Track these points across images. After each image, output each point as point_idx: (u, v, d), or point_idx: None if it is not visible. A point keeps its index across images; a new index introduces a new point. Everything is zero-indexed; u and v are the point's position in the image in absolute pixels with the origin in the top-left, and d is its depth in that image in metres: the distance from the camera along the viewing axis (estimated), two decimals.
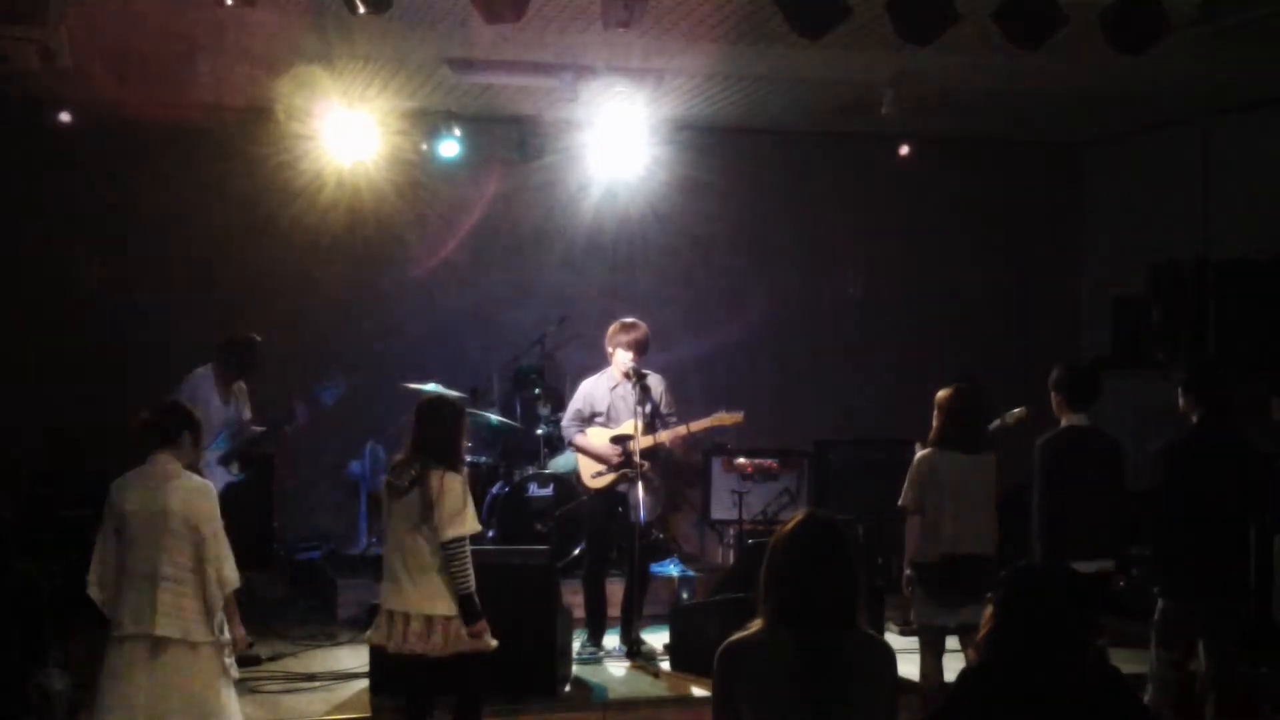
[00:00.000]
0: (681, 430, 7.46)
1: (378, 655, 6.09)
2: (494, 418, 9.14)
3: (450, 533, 5.44)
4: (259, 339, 7.79)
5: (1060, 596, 3.36)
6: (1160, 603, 6.09)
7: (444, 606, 5.49)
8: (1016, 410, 7.50)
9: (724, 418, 7.51)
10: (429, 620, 5.47)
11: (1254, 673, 6.74)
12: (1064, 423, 6.38)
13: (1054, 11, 6.07)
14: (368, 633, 5.78)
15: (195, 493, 5.24)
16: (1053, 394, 6.44)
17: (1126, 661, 6.49)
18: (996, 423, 7.65)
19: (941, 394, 6.35)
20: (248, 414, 7.76)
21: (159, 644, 5.08)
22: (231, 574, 5.27)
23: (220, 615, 5.23)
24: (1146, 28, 6.18)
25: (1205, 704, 6.05)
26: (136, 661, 5.09)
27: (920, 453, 6.34)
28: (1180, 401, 6.17)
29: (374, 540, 8.94)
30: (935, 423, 6.32)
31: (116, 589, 5.15)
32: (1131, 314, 9.36)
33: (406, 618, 5.47)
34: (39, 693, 5.49)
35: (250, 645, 6.30)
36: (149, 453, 5.28)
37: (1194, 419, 6.12)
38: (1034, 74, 7.88)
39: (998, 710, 3.28)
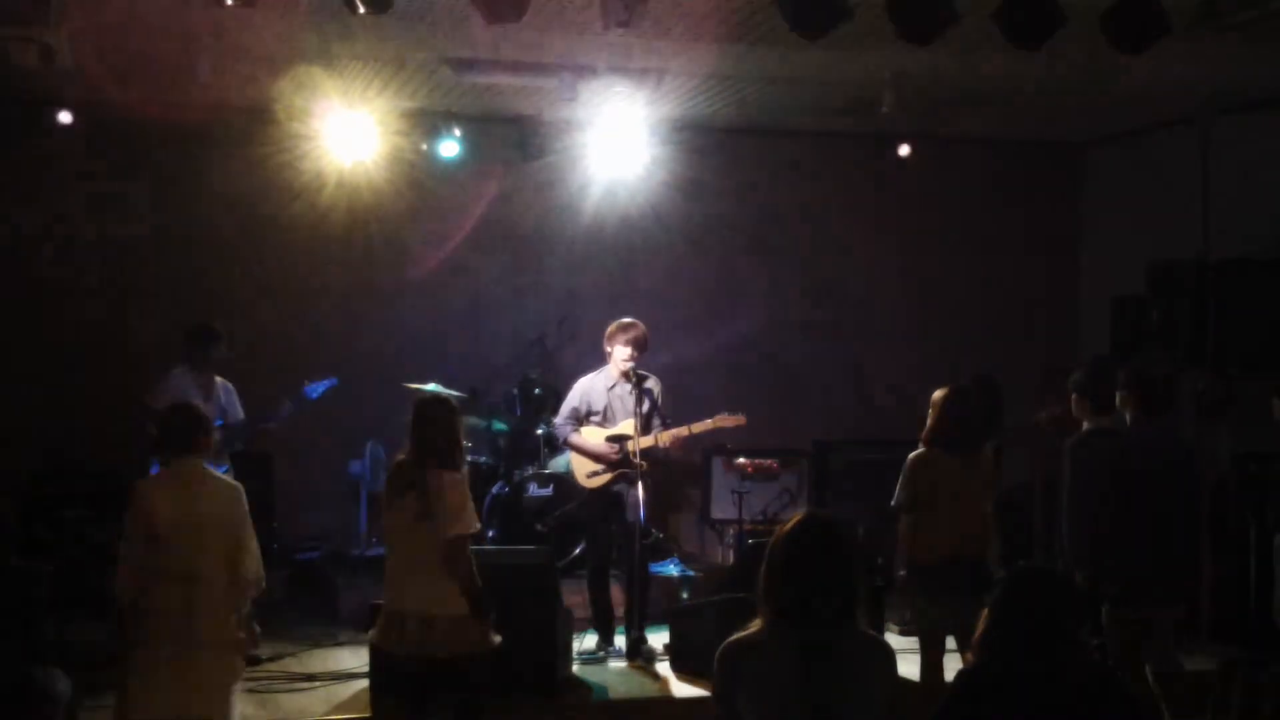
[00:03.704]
0: (682, 432, 7.46)
1: (378, 655, 6.09)
2: (494, 418, 9.13)
3: (452, 531, 5.43)
4: (216, 327, 7.79)
5: (1056, 598, 3.37)
6: (1104, 607, 6.02)
7: (447, 606, 5.47)
8: (1051, 410, 7.49)
9: (725, 420, 7.50)
10: (432, 620, 5.46)
11: (1255, 673, 6.73)
12: (1089, 425, 6.35)
13: (1054, 11, 6.07)
14: (369, 633, 5.78)
15: (230, 494, 5.31)
16: (1075, 396, 6.40)
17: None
18: (1031, 422, 7.65)
19: (937, 394, 6.34)
20: (240, 413, 7.77)
21: (194, 645, 5.09)
22: (260, 575, 5.33)
23: (244, 615, 5.27)
24: (1146, 28, 6.18)
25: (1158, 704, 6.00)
26: (167, 662, 5.08)
27: (914, 453, 6.33)
28: (1116, 401, 6.14)
29: (374, 540, 8.94)
30: (930, 422, 6.31)
31: (147, 593, 5.12)
32: (1131, 314, 9.35)
33: (407, 619, 5.46)
34: (39, 693, 5.48)
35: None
36: (163, 458, 5.31)
37: (1128, 419, 6.08)
38: (1034, 74, 7.88)
39: (994, 711, 3.28)
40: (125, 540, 5.21)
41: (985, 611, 3.41)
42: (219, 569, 5.18)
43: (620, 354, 7.42)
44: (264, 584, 5.37)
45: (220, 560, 5.18)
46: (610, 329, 7.51)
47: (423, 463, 5.49)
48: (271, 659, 7.37)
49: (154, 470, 7.13)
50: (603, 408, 7.53)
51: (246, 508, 5.34)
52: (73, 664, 6.23)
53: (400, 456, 5.61)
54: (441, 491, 5.44)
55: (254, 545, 5.33)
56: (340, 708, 6.62)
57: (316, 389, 7.94)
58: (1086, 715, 3.27)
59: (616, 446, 7.42)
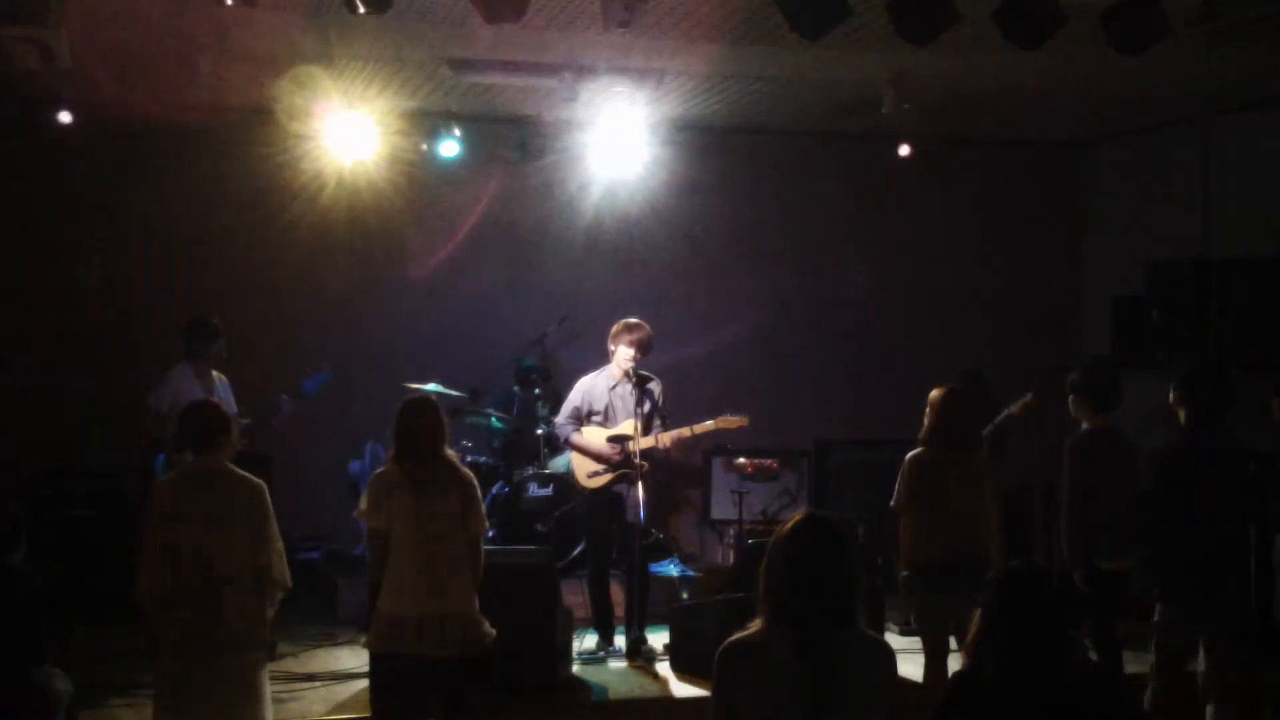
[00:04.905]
0: (685, 432, 7.45)
1: (380, 659, 6.06)
2: (494, 417, 9.13)
3: (482, 527, 5.47)
4: (212, 320, 7.78)
5: (1048, 599, 3.36)
6: (1159, 605, 6.07)
7: (466, 604, 5.45)
8: (1023, 399, 7.52)
9: (729, 421, 7.49)
10: (470, 618, 5.43)
11: (1255, 673, 6.73)
12: (1087, 425, 6.36)
13: (1054, 11, 6.07)
14: (364, 639, 5.64)
15: (251, 491, 5.21)
16: (1073, 396, 6.42)
17: (1128, 662, 6.50)
18: (1004, 414, 7.67)
19: (934, 393, 6.34)
20: (235, 408, 7.76)
21: (219, 644, 5.04)
22: (285, 573, 5.27)
23: (270, 615, 5.22)
24: (1146, 28, 6.18)
25: (1206, 704, 6.05)
26: (194, 664, 5.03)
27: (911, 453, 6.33)
28: (1171, 399, 6.16)
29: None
30: (926, 422, 6.31)
31: (172, 594, 5.06)
32: (1131, 314, 9.36)
33: (443, 620, 5.33)
34: (39, 693, 5.48)
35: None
36: (178, 454, 5.29)
37: (1183, 419, 6.10)
38: (1034, 74, 7.88)
39: (990, 713, 3.28)
40: (144, 541, 5.12)
41: (978, 613, 3.40)
42: (242, 568, 5.11)
43: (623, 354, 7.42)
44: (290, 584, 5.30)
45: (243, 559, 5.11)
46: (615, 328, 7.51)
47: (448, 460, 5.46)
48: (272, 659, 7.36)
49: (157, 468, 7.16)
50: (604, 407, 7.53)
51: (270, 506, 5.26)
52: (72, 664, 6.23)
53: (407, 458, 5.53)
54: (475, 488, 5.45)
55: (277, 544, 5.25)
56: (340, 708, 6.62)
57: (314, 383, 7.94)
58: (1082, 715, 3.27)
59: (617, 447, 7.42)
